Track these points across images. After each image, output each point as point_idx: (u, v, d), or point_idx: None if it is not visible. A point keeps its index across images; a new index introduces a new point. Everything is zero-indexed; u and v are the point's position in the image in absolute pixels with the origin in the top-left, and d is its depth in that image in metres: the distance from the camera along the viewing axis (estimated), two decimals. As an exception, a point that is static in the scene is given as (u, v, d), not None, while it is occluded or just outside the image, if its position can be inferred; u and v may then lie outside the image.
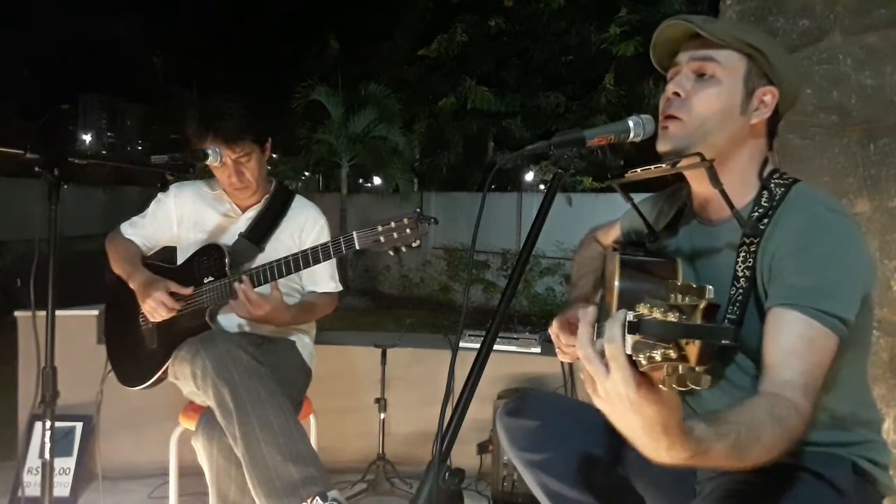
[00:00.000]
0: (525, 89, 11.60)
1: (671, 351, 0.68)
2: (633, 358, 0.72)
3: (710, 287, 0.68)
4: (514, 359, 2.72)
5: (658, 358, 0.69)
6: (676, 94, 1.19)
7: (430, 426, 2.49)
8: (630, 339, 0.72)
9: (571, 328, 1.39)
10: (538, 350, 2.74)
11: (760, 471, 0.98)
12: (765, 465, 0.92)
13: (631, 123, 1.12)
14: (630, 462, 1.30)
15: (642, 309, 0.71)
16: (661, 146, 1.20)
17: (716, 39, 1.15)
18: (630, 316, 0.72)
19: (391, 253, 1.73)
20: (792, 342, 1.03)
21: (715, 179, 1.13)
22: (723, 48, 1.16)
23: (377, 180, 16.03)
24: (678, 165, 1.18)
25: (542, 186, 13.18)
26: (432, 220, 1.71)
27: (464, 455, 2.60)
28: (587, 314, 0.83)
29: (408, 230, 1.70)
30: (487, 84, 11.33)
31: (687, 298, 0.68)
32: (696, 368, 0.67)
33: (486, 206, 1.15)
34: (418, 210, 1.74)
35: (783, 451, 0.95)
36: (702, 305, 0.67)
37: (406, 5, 12.81)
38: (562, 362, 2.60)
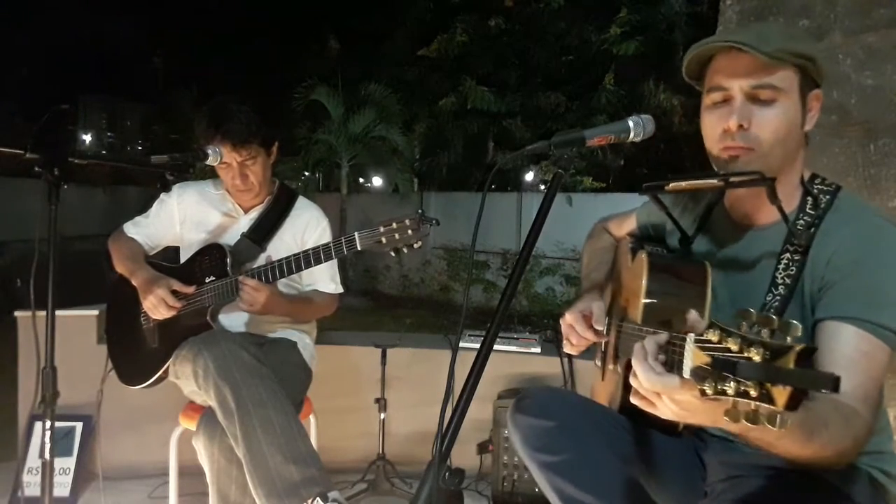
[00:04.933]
0: (525, 89, 11.60)
1: (751, 389, 0.63)
2: (696, 386, 0.68)
3: (797, 324, 0.64)
4: (514, 359, 2.71)
5: (730, 392, 0.64)
6: (741, 126, 1.11)
7: (430, 426, 2.49)
8: (690, 364, 0.68)
9: (587, 320, 1.37)
10: (538, 350, 2.74)
11: (774, 477, 0.97)
12: (783, 470, 0.90)
13: (631, 123, 1.11)
14: (642, 464, 1.29)
15: (711, 335, 0.67)
16: (728, 170, 1.13)
17: (769, 60, 1.07)
18: (693, 344, 0.68)
19: (392, 254, 1.73)
20: (849, 356, 1.01)
21: (774, 196, 1.09)
22: (777, 69, 1.09)
23: (377, 180, 16.05)
24: (732, 181, 1.11)
25: (542, 186, 13.17)
26: (434, 222, 1.71)
27: (464, 455, 2.60)
28: (640, 351, 0.82)
29: (409, 231, 1.70)
30: (487, 84, 11.32)
31: (765, 331, 0.64)
32: (782, 411, 0.63)
33: (486, 206, 1.14)
34: (420, 211, 1.73)
35: (847, 453, 0.94)
36: (799, 348, 0.63)
37: (406, 5, 12.81)
38: (562, 362, 2.61)
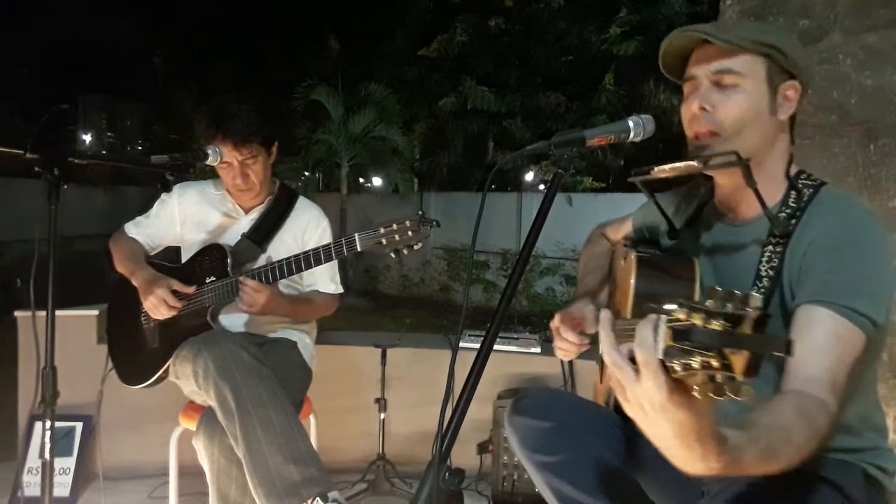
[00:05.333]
0: (525, 89, 11.62)
1: (713, 360, 0.65)
2: (667, 364, 0.70)
3: (757, 295, 0.66)
4: (514, 359, 2.72)
5: (696, 365, 0.66)
6: (703, 108, 1.16)
7: (430, 426, 2.49)
8: (662, 343, 0.70)
9: (573, 323, 1.38)
10: (538, 350, 2.74)
11: (770, 475, 0.97)
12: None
13: (631, 123, 1.12)
14: (638, 464, 1.29)
15: (678, 314, 0.68)
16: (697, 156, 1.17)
17: (730, 47, 1.13)
18: (665, 323, 0.69)
19: (392, 255, 1.73)
20: (821, 339, 1.01)
21: (750, 178, 1.12)
22: (738, 54, 1.14)
23: (377, 180, 16.05)
24: (711, 163, 1.15)
25: (542, 186, 13.18)
26: (434, 223, 1.70)
27: (464, 455, 2.60)
28: (606, 319, 0.81)
29: (409, 232, 1.69)
30: (487, 84, 11.34)
31: (730, 305, 0.65)
32: (741, 379, 0.65)
33: (486, 206, 1.15)
34: (421, 212, 1.72)
35: (812, 450, 0.93)
36: (754, 315, 0.64)
37: (406, 5, 12.83)
38: (562, 362, 2.60)
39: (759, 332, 0.65)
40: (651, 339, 0.71)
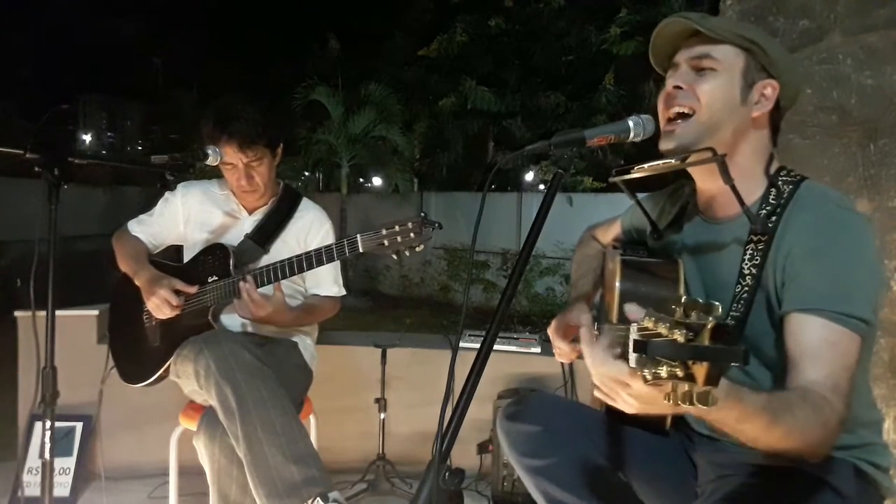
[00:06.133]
0: (525, 89, 11.60)
1: (678, 370, 0.67)
2: (638, 373, 0.72)
3: (718, 304, 0.67)
4: (514, 359, 2.72)
5: (664, 375, 0.68)
6: (678, 87, 1.19)
7: (430, 426, 2.49)
8: (634, 354, 0.71)
9: (567, 332, 1.39)
10: (538, 350, 2.74)
11: (762, 474, 0.98)
12: (771, 467, 0.92)
13: (631, 123, 1.12)
14: (630, 467, 1.30)
15: (647, 323, 0.70)
16: (667, 145, 1.19)
17: (713, 34, 1.16)
18: (635, 333, 0.72)
19: (393, 256, 1.72)
20: (815, 347, 1.02)
21: (726, 174, 1.13)
22: (719, 43, 1.17)
23: (377, 180, 16.06)
24: (688, 161, 1.17)
25: (542, 186, 13.18)
26: (436, 225, 1.70)
27: (464, 455, 2.60)
28: (586, 335, 0.84)
29: (412, 234, 1.69)
30: (487, 84, 11.32)
31: (693, 315, 0.67)
32: (704, 388, 0.67)
33: (486, 206, 1.15)
34: (423, 213, 1.72)
35: (819, 442, 0.95)
36: (710, 325, 0.66)
37: (406, 5, 12.82)
38: (562, 363, 2.61)
39: (717, 342, 0.66)
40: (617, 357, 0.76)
